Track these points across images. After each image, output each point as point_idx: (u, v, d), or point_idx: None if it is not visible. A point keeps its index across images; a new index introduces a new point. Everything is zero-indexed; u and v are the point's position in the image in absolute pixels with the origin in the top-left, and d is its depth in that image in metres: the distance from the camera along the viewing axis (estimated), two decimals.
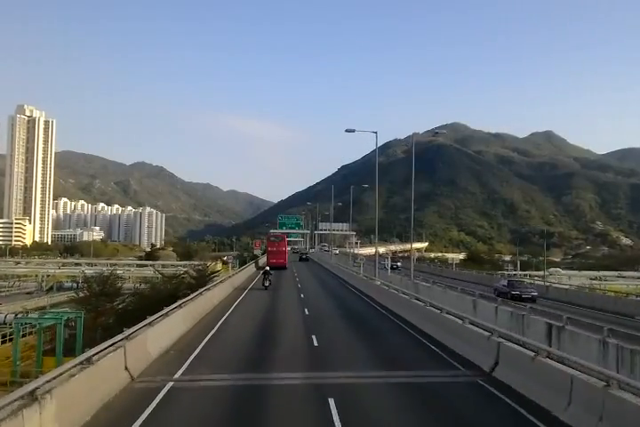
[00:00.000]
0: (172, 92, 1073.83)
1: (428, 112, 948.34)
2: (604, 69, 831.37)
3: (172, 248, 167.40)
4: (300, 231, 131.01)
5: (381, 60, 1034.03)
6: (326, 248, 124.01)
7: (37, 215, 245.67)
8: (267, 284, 34.20)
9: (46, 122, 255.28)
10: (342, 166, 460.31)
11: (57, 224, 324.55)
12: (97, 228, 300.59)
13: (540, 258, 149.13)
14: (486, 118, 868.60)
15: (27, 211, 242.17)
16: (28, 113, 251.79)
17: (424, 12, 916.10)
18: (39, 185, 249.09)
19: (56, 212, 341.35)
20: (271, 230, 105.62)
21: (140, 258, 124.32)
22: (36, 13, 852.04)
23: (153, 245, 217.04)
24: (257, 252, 73.78)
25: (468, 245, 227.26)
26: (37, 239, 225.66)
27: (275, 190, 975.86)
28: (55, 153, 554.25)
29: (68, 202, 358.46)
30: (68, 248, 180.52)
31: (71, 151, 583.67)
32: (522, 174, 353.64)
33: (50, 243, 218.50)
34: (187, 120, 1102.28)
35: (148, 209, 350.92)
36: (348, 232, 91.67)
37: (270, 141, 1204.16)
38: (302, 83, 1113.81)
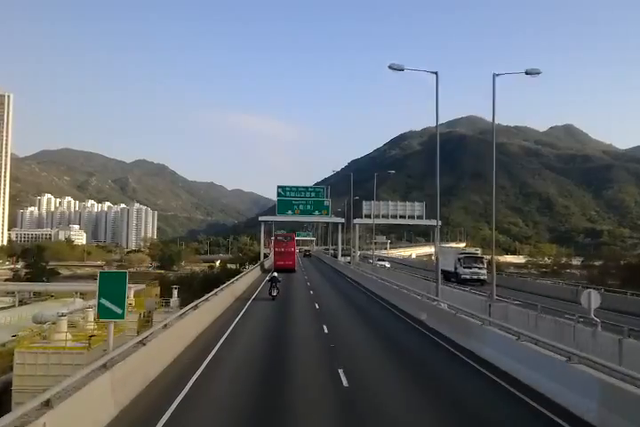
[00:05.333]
0: (177, 90, 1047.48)
1: (442, 104, 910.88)
2: (626, 62, 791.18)
3: (148, 251, 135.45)
4: (324, 219, 74.78)
5: (391, 53, 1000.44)
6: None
7: None
8: (274, 293, 28.00)
9: (1, 96, 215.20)
10: (352, 161, 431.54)
11: (39, 222, 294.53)
12: (76, 226, 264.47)
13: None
14: (503, 112, 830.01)
15: None
16: None
17: (440, 5, 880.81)
18: None
19: (38, 209, 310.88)
20: (260, 217, 72.62)
21: (14, 273, 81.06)
22: (36, 12, 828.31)
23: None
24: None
25: (505, 246, 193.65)
26: None
27: None
28: (54, 150, 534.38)
29: (53, 198, 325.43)
30: (26, 251, 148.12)
31: (69, 149, 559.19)
32: (553, 167, 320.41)
33: (5, 244, 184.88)
34: (191, 118, 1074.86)
35: (136, 205, 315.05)
36: (424, 221, 57.63)
37: (277, 139, 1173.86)
38: (310, 77, 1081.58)
